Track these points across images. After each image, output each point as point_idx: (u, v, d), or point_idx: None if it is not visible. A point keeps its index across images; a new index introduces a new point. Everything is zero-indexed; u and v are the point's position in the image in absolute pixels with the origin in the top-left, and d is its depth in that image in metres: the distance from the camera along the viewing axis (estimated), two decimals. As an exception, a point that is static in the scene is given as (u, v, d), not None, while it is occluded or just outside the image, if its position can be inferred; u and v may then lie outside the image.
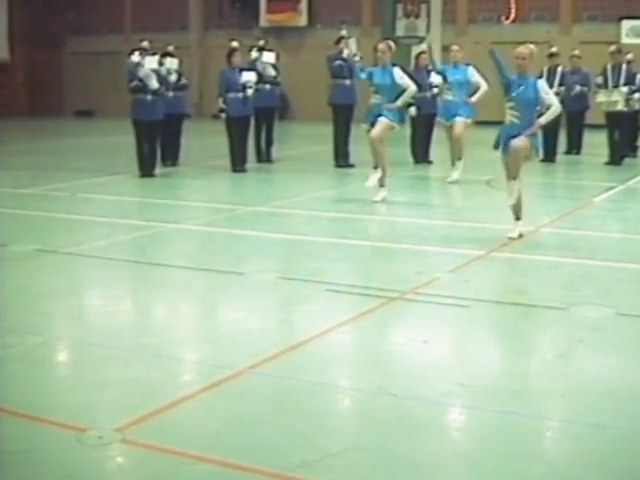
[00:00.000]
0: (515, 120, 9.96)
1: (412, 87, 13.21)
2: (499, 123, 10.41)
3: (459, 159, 15.28)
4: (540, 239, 10.16)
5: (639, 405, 5.49)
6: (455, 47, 15.70)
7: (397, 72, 13.16)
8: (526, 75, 9.97)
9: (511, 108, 10.00)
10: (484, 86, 15.22)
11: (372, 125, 13.03)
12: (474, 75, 15.28)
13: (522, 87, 9.89)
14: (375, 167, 13.10)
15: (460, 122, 15.16)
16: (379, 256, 9.89)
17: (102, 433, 4.95)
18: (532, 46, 10.04)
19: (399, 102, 13.17)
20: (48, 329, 7.14)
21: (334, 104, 17.72)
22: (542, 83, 10.13)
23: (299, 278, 8.64)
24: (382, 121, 12.93)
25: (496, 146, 10.12)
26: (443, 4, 30.47)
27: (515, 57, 9.98)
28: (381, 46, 13.31)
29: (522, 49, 9.95)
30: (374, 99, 13.14)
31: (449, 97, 15.45)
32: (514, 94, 9.91)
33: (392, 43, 13.50)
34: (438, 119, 16.24)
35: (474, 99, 15.28)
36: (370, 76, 13.22)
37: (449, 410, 5.48)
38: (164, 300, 8.19)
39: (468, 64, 15.48)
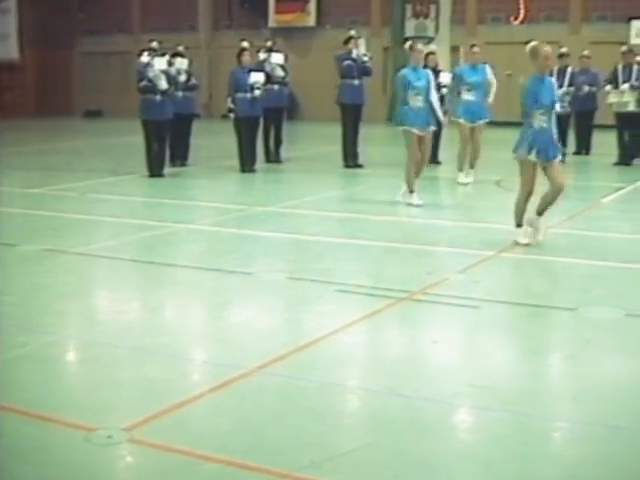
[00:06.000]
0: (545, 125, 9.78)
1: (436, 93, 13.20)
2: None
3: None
4: (549, 240, 10.13)
5: (649, 406, 5.48)
6: (476, 49, 15.49)
7: (430, 73, 13.16)
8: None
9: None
10: (495, 83, 15.27)
11: (421, 129, 12.86)
12: (490, 73, 15.27)
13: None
14: (411, 191, 13.01)
15: (483, 125, 15.11)
16: (388, 256, 9.88)
17: (111, 432, 4.95)
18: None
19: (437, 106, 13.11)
20: (59, 329, 7.15)
21: (342, 104, 17.70)
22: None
23: (308, 278, 8.64)
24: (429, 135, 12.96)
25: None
26: (452, 4, 30.44)
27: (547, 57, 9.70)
28: (419, 46, 13.12)
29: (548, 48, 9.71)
30: (417, 102, 12.86)
31: (470, 98, 15.21)
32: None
33: (421, 45, 13.35)
34: (458, 120, 15.56)
35: (491, 99, 15.26)
36: (412, 77, 12.99)
37: (459, 411, 5.48)
38: (174, 300, 8.18)
39: (485, 62, 15.42)
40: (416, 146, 12.92)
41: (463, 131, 15.43)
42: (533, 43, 9.81)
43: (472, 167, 15.46)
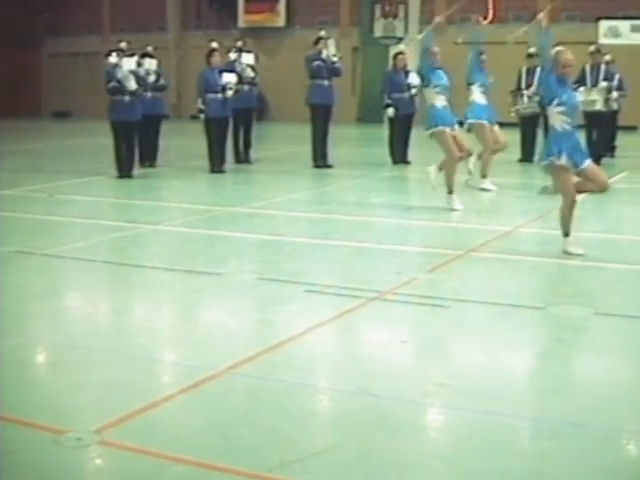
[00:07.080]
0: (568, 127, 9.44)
1: None
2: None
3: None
4: (518, 239, 10.18)
5: (617, 404, 5.50)
6: (483, 56, 15.10)
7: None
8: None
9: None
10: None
11: (452, 128, 12.57)
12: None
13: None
14: (451, 192, 12.48)
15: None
16: (358, 257, 9.88)
17: (81, 435, 4.92)
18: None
19: None
20: (28, 331, 7.10)
21: (312, 104, 17.73)
22: None
23: (278, 279, 8.63)
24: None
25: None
26: (421, 4, 30.51)
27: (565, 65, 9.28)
28: (436, 48, 12.92)
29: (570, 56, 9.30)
30: (442, 101, 12.54)
31: (484, 101, 14.48)
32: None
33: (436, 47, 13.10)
34: (478, 122, 14.47)
35: None
36: (436, 77, 12.71)
37: (429, 410, 5.49)
38: (143, 301, 8.16)
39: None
40: (453, 144, 12.50)
41: (486, 132, 14.53)
42: (557, 48, 9.41)
43: (484, 176, 14.59)
